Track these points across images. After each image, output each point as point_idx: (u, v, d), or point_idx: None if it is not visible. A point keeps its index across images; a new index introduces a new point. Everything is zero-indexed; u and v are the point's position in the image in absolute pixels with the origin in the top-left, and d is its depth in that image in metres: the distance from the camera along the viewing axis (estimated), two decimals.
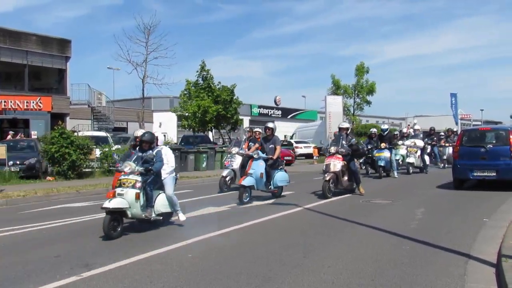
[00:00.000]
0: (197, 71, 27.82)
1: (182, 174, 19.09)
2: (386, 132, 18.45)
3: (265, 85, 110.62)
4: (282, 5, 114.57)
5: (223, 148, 24.59)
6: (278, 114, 54.06)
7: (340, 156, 12.06)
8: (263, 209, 10.56)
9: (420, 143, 19.90)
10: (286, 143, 33.57)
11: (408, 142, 19.92)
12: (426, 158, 20.65)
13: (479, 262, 5.92)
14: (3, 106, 26.76)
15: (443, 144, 23.54)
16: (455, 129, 28.31)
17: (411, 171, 19.42)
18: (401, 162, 19.95)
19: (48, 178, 17.53)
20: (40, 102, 28.35)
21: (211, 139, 29.53)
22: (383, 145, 17.86)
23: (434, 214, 9.80)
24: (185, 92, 28.21)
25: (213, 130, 30.67)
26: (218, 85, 27.51)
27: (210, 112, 25.67)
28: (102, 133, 25.31)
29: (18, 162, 17.64)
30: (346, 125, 13.04)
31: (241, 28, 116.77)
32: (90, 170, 19.10)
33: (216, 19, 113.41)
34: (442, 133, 28.55)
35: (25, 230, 8.52)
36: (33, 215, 10.27)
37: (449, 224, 8.55)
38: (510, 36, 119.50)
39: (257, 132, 13.15)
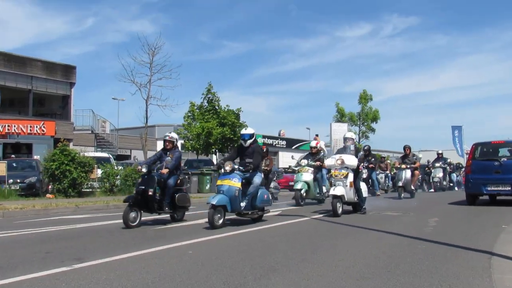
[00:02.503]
0: (203, 93, 27.48)
1: None
2: (248, 143, 9.26)
3: (269, 120, 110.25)
4: (285, 43, 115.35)
5: None
6: (282, 145, 53.68)
7: None
8: (269, 218, 10.11)
9: (352, 161, 10.77)
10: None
11: (330, 161, 11.18)
12: (363, 186, 11.39)
13: (503, 258, 5.45)
14: (6, 130, 26.57)
15: (399, 166, 17.51)
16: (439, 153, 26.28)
17: (339, 210, 10.33)
18: (304, 194, 13.79)
19: (48, 195, 17.05)
20: (44, 127, 28.12)
21: (215, 163, 29.07)
22: (228, 167, 8.74)
23: (449, 222, 9.32)
24: (189, 114, 27.90)
25: (217, 154, 30.22)
26: (225, 108, 27.13)
27: (214, 134, 25.21)
28: (104, 154, 24.95)
29: (18, 180, 17.23)
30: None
31: (245, 65, 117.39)
32: (90, 190, 18.64)
33: (220, 56, 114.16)
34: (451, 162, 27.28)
35: (16, 234, 8.09)
36: (28, 224, 9.77)
37: (466, 230, 8.08)
38: None
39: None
